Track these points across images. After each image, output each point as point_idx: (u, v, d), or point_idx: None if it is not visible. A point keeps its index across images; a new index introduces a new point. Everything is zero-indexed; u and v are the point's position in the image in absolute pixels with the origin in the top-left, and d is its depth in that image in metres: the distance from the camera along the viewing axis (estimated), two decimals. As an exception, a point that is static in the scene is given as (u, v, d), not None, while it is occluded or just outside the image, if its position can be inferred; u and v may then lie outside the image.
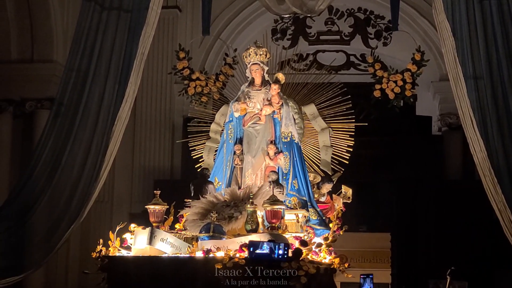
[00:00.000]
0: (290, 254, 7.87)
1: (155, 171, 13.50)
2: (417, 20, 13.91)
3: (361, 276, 8.06)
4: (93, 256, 8.69)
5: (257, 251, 7.81)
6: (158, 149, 13.67)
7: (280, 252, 7.81)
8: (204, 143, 10.33)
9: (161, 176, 13.38)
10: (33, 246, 9.18)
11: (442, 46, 9.24)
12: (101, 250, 8.65)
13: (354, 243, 13.15)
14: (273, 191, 8.60)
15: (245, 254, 7.87)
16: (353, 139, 10.09)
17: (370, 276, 8.05)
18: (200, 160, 10.32)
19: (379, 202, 13.41)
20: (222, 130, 10.04)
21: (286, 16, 12.45)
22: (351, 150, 10.09)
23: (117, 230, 8.77)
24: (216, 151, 10.04)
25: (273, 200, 8.35)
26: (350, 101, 10.04)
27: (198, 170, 9.96)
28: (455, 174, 13.40)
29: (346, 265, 8.88)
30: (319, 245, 8.53)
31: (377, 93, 10.13)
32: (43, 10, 12.94)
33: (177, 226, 9.13)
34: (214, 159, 10.01)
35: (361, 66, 13.74)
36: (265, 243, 7.84)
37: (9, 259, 9.13)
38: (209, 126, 10.32)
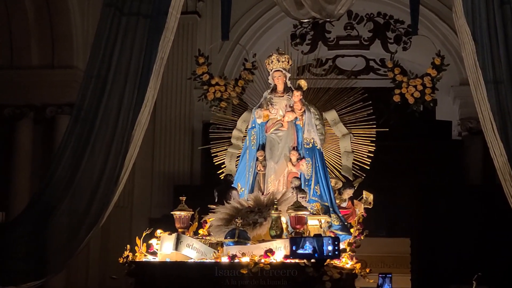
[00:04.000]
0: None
1: (175, 176, 13.52)
2: (437, 25, 13.86)
3: (380, 275, 7.99)
4: (120, 262, 8.70)
5: (299, 251, 7.78)
6: (178, 154, 13.70)
7: (330, 248, 7.75)
8: (226, 149, 10.33)
9: (180, 181, 13.40)
10: (53, 251, 9.21)
11: (462, 50, 9.20)
12: (128, 256, 8.67)
13: (374, 248, 13.10)
14: (297, 197, 8.63)
15: (270, 259, 7.90)
16: (374, 144, 10.06)
17: (389, 276, 7.98)
18: (222, 166, 10.32)
19: (399, 207, 13.34)
20: (244, 136, 10.06)
21: (305, 21, 12.44)
22: (372, 155, 10.07)
23: (143, 235, 8.80)
24: (238, 157, 10.05)
25: (297, 206, 8.40)
26: (371, 107, 10.02)
27: (221, 177, 9.96)
28: (475, 179, 13.33)
29: (367, 270, 8.84)
30: (343, 250, 8.51)
31: (396, 98, 10.10)
32: (63, 16, 13.02)
33: (200, 231, 9.15)
34: (236, 165, 10.02)
35: (380, 71, 13.70)
36: (307, 241, 7.81)
37: (30, 263, 9.17)
38: (231, 132, 10.32)
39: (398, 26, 14.10)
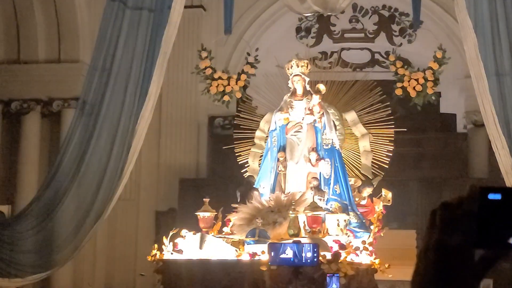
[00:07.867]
0: (320, 257, 8.08)
1: (181, 170, 13.56)
2: (442, 17, 13.80)
3: (327, 275, 8.19)
4: (149, 260, 9.07)
5: (281, 256, 7.98)
6: (184, 148, 13.73)
7: (309, 255, 7.94)
8: (249, 149, 10.51)
9: (186, 175, 13.43)
10: (59, 243, 9.32)
11: (464, 43, 9.22)
12: (156, 254, 8.96)
13: (382, 240, 13.14)
14: (313, 198, 8.92)
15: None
16: (392, 144, 10.27)
17: (336, 275, 8.15)
18: (245, 166, 10.49)
19: (407, 200, 13.35)
20: (266, 136, 10.24)
21: (308, 14, 12.45)
22: (391, 155, 10.25)
23: (170, 235, 9.05)
24: (261, 157, 10.24)
25: (313, 207, 8.80)
26: (390, 108, 10.15)
27: (245, 176, 10.24)
28: (481, 172, 13.31)
29: (386, 265, 9.08)
30: (357, 248, 8.81)
31: (398, 91, 10.16)
32: (70, 11, 13.05)
33: (224, 229, 9.42)
34: (258, 165, 10.23)
35: (385, 64, 13.70)
36: (288, 246, 8.03)
37: (37, 256, 9.27)
38: (254, 133, 10.50)
39: (403, 19, 14.07)
